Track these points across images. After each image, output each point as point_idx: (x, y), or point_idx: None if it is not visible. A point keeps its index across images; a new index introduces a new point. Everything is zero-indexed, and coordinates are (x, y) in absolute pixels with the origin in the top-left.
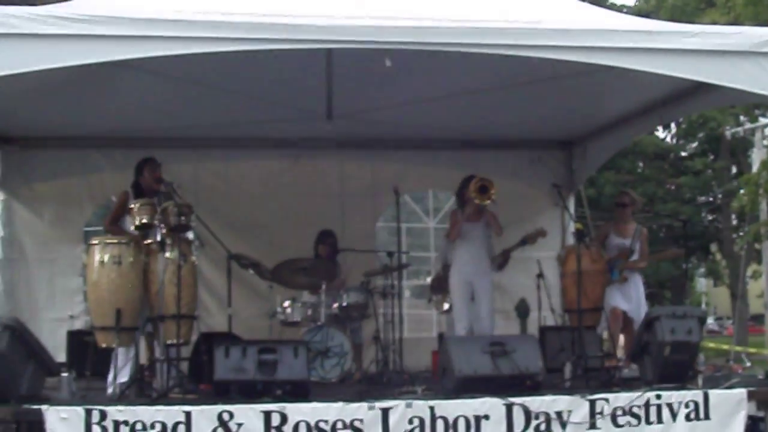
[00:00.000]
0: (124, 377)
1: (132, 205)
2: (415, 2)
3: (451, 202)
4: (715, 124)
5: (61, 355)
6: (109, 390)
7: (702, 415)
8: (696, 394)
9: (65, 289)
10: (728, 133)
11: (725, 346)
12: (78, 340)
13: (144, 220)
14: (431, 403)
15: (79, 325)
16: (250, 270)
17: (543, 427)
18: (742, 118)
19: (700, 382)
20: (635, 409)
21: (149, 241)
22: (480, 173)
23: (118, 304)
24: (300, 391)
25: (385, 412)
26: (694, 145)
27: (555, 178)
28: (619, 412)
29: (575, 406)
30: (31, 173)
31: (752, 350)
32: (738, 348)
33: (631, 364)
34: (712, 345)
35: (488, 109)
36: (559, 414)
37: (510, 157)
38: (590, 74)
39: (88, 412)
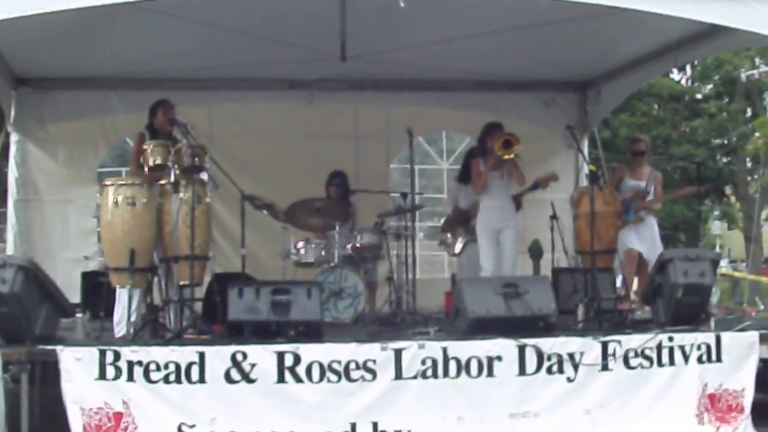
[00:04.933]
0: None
1: (145, 147)
2: None
3: (465, 143)
4: (731, 66)
5: (75, 296)
6: (116, 329)
7: (714, 357)
8: (708, 337)
9: (80, 230)
10: (743, 76)
11: None
12: (92, 281)
13: (158, 161)
14: (444, 344)
15: (93, 266)
16: (263, 211)
17: (555, 368)
18: (757, 60)
19: (712, 324)
20: (647, 351)
21: (163, 182)
22: (499, 120)
23: (132, 245)
24: (313, 332)
25: (398, 352)
26: (709, 87)
27: (569, 120)
28: (632, 354)
29: (587, 348)
30: (45, 114)
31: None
32: None
33: (644, 306)
34: None
35: (502, 50)
36: (571, 355)
37: (524, 99)
38: (604, 16)
39: (102, 353)
